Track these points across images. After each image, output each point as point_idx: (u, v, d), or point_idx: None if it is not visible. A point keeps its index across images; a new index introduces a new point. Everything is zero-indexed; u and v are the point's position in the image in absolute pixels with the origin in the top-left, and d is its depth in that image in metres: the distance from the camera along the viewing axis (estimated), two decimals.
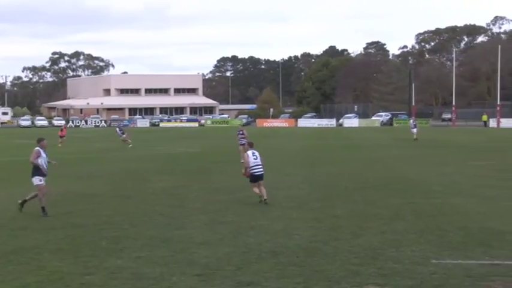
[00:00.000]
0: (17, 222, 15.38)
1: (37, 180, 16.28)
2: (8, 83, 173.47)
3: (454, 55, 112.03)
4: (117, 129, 50.84)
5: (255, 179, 18.12)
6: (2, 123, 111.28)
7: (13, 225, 15.02)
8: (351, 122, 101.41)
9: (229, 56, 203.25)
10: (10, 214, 16.56)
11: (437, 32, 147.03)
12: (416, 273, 10.40)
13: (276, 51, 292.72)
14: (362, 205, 17.53)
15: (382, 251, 11.88)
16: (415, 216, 15.62)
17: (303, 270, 10.62)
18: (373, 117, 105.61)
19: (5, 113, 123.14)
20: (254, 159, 18.14)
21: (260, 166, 18.16)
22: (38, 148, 16.45)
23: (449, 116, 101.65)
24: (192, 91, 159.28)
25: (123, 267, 10.88)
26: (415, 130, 51.10)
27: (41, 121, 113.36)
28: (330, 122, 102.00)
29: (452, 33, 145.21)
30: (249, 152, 18.40)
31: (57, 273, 10.61)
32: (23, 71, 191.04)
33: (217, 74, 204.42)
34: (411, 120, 59.75)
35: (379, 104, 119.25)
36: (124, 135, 47.69)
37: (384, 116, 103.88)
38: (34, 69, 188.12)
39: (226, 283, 9.96)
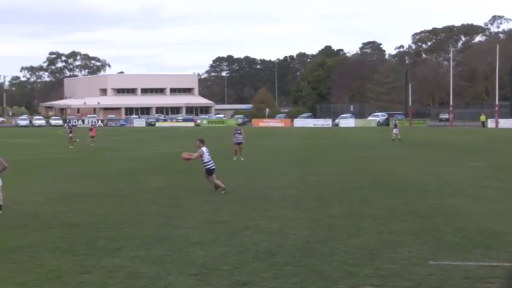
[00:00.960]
0: (15, 221, 15.35)
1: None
2: (7, 83, 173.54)
3: (451, 55, 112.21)
4: (66, 126, 51.25)
5: (211, 172, 19.83)
6: None
7: (11, 223, 14.99)
8: (347, 122, 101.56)
9: (225, 56, 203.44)
10: (7, 213, 16.53)
11: (434, 31, 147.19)
12: (414, 274, 10.37)
13: (272, 51, 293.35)
14: (358, 205, 17.52)
15: (379, 252, 11.86)
16: (411, 217, 15.61)
17: (299, 271, 10.60)
18: (369, 118, 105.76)
19: None
20: (208, 155, 19.80)
21: (212, 161, 19.90)
22: None
23: (446, 116, 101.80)
24: (188, 91, 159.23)
25: (120, 266, 10.86)
26: (395, 131, 51.28)
27: (39, 120, 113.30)
28: (326, 122, 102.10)
29: (450, 33, 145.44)
30: (204, 149, 19.85)
31: (55, 271, 10.58)
32: (20, 71, 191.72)
33: (213, 73, 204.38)
34: (393, 121, 59.94)
35: (376, 104, 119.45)
36: (70, 134, 47.99)
37: (380, 116, 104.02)
38: (32, 69, 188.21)
39: (222, 283, 9.94)
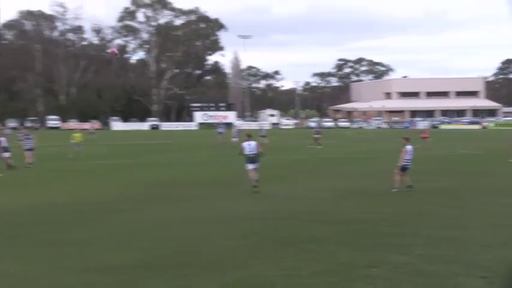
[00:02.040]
0: (305, 215, 16.27)
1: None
2: (300, 88, 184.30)
3: None
4: (316, 126, 51.81)
5: (404, 169, 21.09)
6: (271, 124, 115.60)
7: (300, 216, 15.98)
8: None
9: None
10: (297, 205, 17.59)
11: None
12: None
13: None
14: None
15: None
16: None
17: None
18: None
19: (272, 115, 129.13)
20: (410, 154, 21.15)
21: (411, 160, 21.23)
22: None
23: None
24: (473, 94, 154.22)
25: (405, 263, 10.97)
26: None
27: (328, 123, 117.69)
28: None
29: None
30: (408, 147, 21.15)
31: (344, 264, 11.00)
32: (312, 77, 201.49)
33: (501, 76, 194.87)
34: None
35: None
36: (317, 135, 48.89)
37: None
38: (322, 75, 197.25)
39: None
